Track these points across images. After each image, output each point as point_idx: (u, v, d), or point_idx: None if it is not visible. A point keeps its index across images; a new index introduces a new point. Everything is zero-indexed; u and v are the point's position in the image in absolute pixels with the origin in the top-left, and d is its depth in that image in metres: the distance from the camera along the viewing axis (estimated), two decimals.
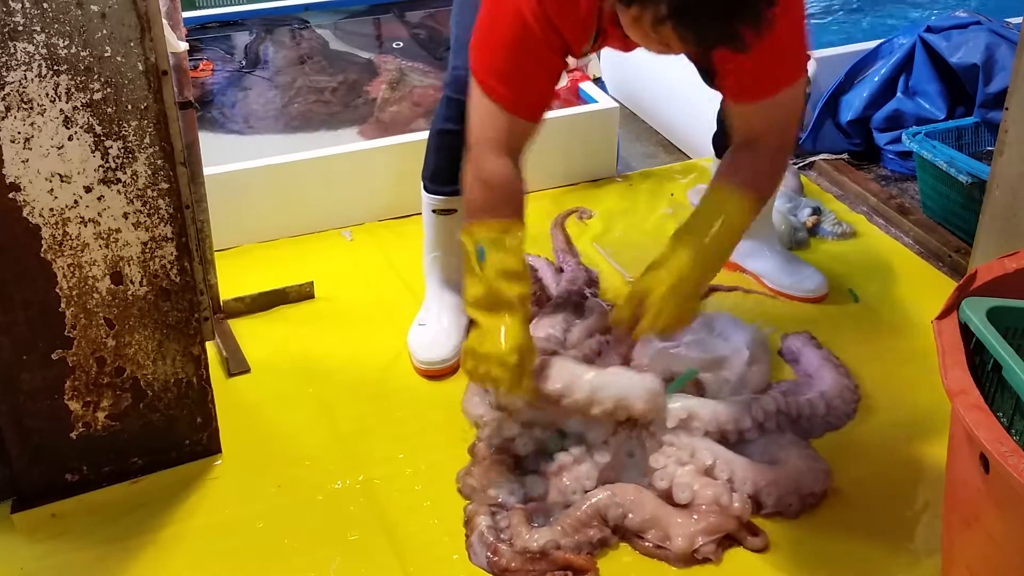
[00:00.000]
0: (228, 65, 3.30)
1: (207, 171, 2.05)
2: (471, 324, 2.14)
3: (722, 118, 2.20)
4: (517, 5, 1.63)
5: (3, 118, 1.46)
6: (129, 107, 1.53)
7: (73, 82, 1.48)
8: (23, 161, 1.49)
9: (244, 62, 3.32)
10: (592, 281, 2.31)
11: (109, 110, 1.52)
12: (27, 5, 1.41)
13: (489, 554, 1.64)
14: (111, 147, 1.55)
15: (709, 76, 1.97)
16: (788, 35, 1.67)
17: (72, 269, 1.60)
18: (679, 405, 1.80)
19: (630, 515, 1.68)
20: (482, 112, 1.72)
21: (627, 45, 1.71)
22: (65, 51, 1.46)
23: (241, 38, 3.47)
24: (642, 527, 1.68)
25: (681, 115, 3.05)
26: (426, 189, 2.10)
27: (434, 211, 2.10)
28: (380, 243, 2.54)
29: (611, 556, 1.68)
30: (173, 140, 1.59)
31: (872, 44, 2.98)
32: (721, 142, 2.28)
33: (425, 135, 2.13)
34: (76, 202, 1.56)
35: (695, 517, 1.68)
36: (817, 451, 1.84)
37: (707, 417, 1.80)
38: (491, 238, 1.70)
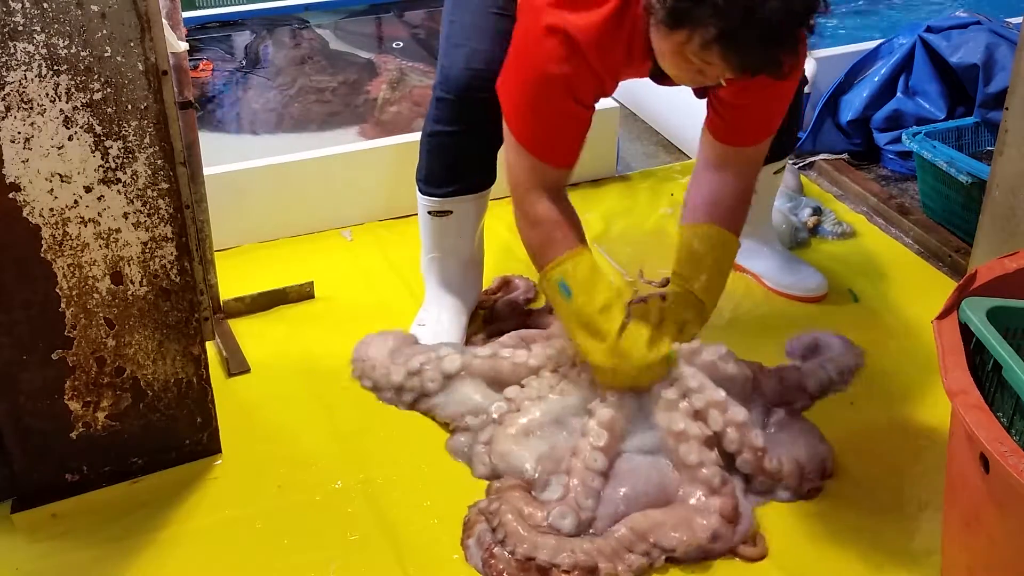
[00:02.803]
0: (228, 65, 3.30)
1: (207, 171, 2.05)
2: (471, 324, 2.16)
3: None
4: (540, 59, 1.64)
5: (3, 118, 1.46)
6: (129, 107, 1.53)
7: (73, 82, 1.48)
8: (23, 161, 1.49)
9: (244, 62, 3.32)
10: None
11: (109, 110, 1.52)
12: (27, 5, 1.41)
13: (485, 555, 1.63)
14: (111, 147, 1.55)
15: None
16: (783, 100, 1.79)
17: (72, 269, 1.60)
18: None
19: (657, 542, 1.65)
20: (514, 156, 1.77)
21: (643, 72, 1.73)
22: (65, 51, 1.46)
23: (241, 38, 3.47)
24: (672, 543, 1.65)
25: (681, 115, 3.05)
26: (421, 191, 2.10)
27: (430, 213, 2.10)
28: (380, 243, 2.54)
29: None
30: (173, 140, 1.59)
31: (872, 44, 2.98)
32: None
33: None
34: (76, 202, 1.56)
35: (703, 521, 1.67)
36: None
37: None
38: (564, 271, 1.77)
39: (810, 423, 1.91)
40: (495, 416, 1.85)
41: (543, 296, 2.28)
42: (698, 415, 1.75)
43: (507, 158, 1.79)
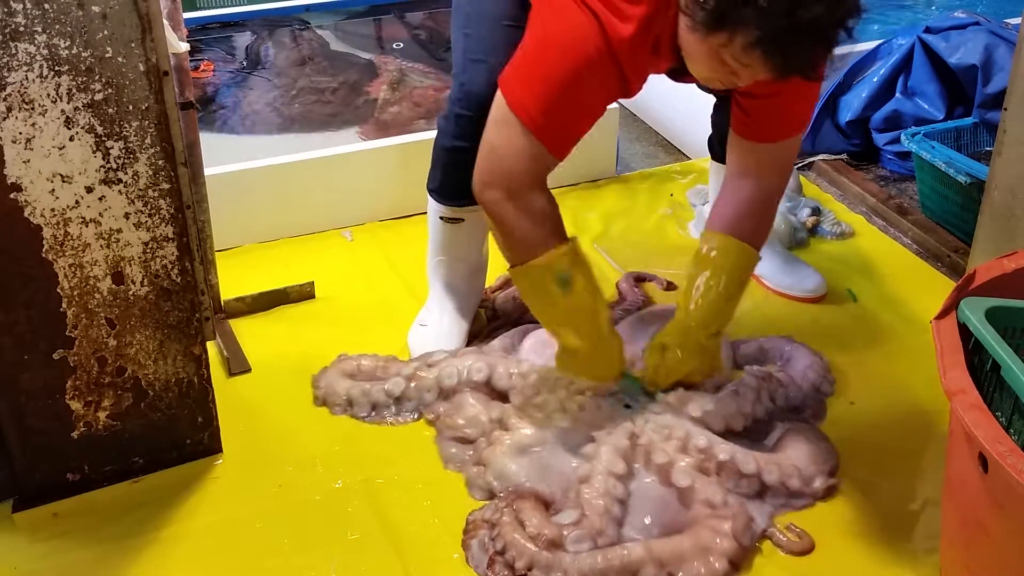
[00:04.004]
0: (229, 66, 3.30)
1: (208, 171, 2.05)
2: (474, 326, 2.16)
3: (716, 121, 2.21)
4: (583, 43, 1.59)
5: (4, 119, 1.46)
6: (130, 107, 1.54)
7: (74, 83, 1.48)
8: (24, 162, 1.50)
9: (245, 63, 3.33)
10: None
11: (110, 110, 1.52)
12: (28, 6, 1.41)
13: (489, 560, 1.63)
14: (112, 147, 1.55)
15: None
16: (812, 88, 1.76)
17: (73, 269, 1.60)
18: (672, 395, 1.86)
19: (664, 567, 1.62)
20: (519, 147, 1.68)
21: (661, 70, 1.71)
22: (66, 52, 1.46)
23: (242, 39, 3.48)
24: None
25: (681, 115, 3.05)
26: (434, 199, 2.10)
27: (441, 218, 2.09)
28: (380, 243, 2.54)
29: None
30: (174, 140, 1.60)
31: (871, 45, 2.99)
32: (716, 146, 2.29)
33: (425, 136, 2.12)
34: (77, 202, 1.56)
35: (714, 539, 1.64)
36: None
37: (700, 406, 1.82)
38: (568, 264, 1.73)
39: (816, 429, 1.91)
40: (485, 436, 1.85)
41: None
42: (684, 448, 1.74)
43: (504, 150, 1.70)
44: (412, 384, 1.96)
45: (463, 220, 2.06)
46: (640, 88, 1.72)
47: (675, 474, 1.71)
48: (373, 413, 1.96)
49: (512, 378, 1.92)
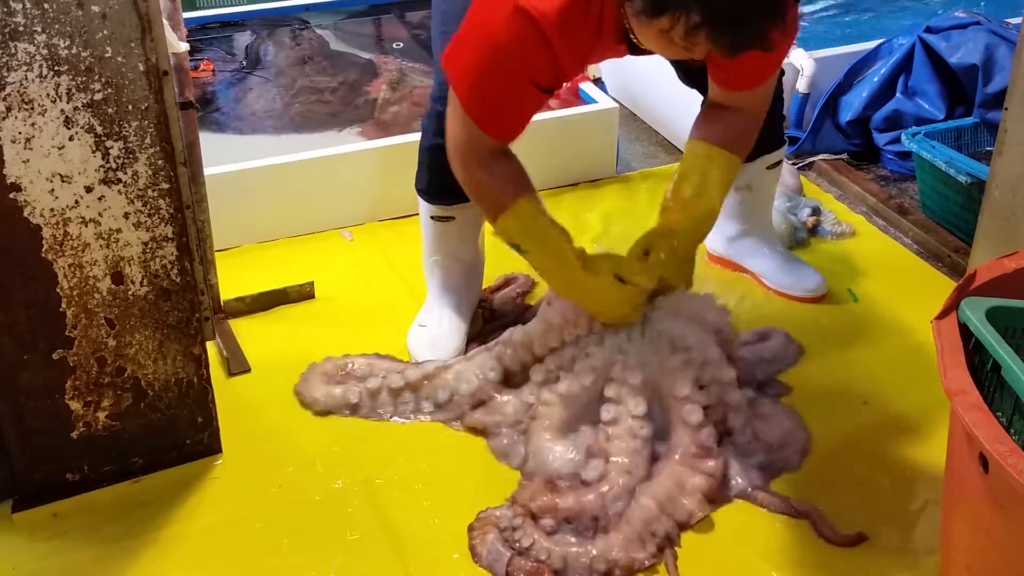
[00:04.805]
0: (229, 65, 3.30)
1: (208, 171, 2.05)
2: (472, 327, 2.16)
3: None
4: (501, 38, 1.59)
5: (4, 118, 1.46)
6: (130, 107, 1.54)
7: (74, 82, 1.48)
8: (24, 161, 1.50)
9: (245, 62, 3.33)
10: None
11: (110, 110, 1.52)
12: (28, 6, 1.41)
13: (507, 559, 1.64)
14: (112, 147, 1.55)
15: (686, 74, 1.99)
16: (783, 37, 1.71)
17: (73, 269, 1.60)
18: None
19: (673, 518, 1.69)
20: (459, 124, 1.73)
21: (617, 53, 1.70)
22: (66, 51, 1.46)
23: (242, 38, 3.48)
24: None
25: (681, 115, 3.03)
26: (422, 198, 2.10)
27: (432, 217, 2.09)
28: (380, 243, 2.54)
29: None
30: (174, 140, 1.60)
31: (872, 44, 2.98)
32: None
33: None
34: (77, 202, 1.56)
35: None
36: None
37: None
38: (519, 228, 1.79)
39: (788, 408, 1.96)
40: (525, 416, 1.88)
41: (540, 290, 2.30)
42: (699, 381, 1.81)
43: (449, 122, 1.75)
44: (426, 382, 1.97)
45: (454, 218, 2.07)
46: (578, 72, 1.70)
47: (686, 410, 1.78)
48: (379, 411, 1.96)
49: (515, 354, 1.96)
